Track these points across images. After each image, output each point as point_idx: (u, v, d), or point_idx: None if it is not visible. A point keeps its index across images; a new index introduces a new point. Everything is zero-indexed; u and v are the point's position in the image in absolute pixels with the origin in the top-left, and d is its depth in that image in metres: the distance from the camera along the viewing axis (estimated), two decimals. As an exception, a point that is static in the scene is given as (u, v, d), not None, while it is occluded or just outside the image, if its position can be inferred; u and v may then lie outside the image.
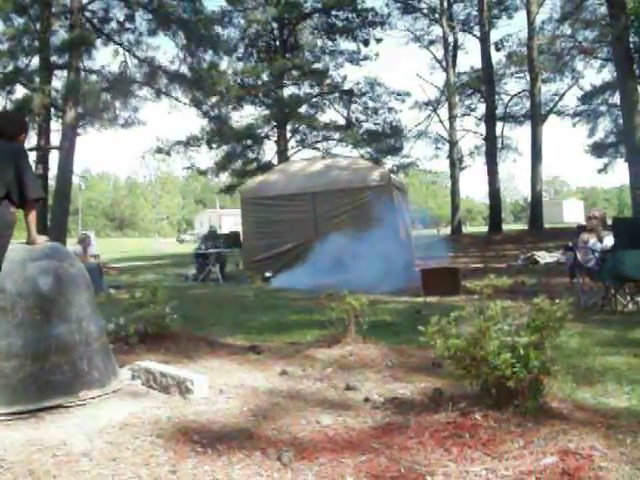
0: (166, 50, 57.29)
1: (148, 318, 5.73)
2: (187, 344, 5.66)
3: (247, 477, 2.70)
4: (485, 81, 29.28)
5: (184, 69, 23.09)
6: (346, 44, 29.81)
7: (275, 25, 28.66)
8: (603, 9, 24.13)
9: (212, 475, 2.72)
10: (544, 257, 14.79)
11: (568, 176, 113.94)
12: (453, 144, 31.27)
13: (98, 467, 2.82)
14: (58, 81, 21.97)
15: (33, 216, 3.89)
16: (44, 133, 21.20)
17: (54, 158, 20.95)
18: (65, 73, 21.08)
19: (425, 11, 32.33)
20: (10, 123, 4.05)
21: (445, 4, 31.18)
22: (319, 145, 29.56)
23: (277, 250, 13.09)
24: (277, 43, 29.23)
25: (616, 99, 27.49)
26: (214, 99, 25.83)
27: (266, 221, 13.57)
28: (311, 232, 12.91)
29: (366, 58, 29.73)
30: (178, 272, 16.13)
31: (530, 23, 27.77)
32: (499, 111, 31.57)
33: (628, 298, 7.44)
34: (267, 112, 28.70)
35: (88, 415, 3.57)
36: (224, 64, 26.48)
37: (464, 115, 33.86)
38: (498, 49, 31.11)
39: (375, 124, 29.88)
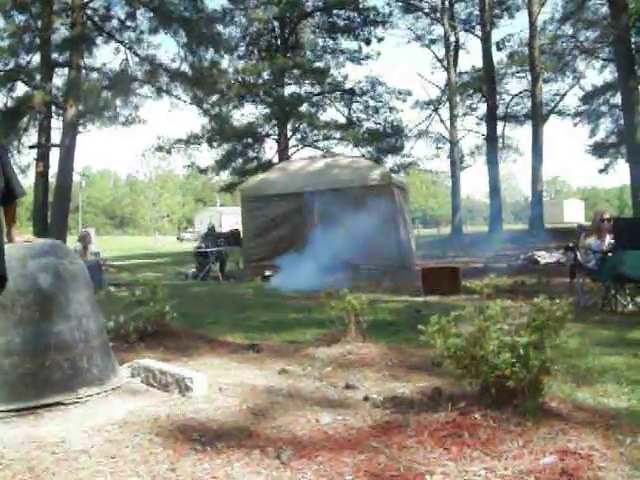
0: (167, 48, 58.17)
1: (148, 316, 5.73)
2: (187, 342, 5.65)
3: (246, 475, 2.70)
4: (486, 81, 29.28)
5: (185, 67, 23.22)
6: (347, 43, 29.87)
7: (276, 24, 28.70)
8: (605, 9, 24.18)
9: (211, 473, 2.72)
10: (544, 257, 14.77)
11: (569, 176, 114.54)
12: (454, 144, 31.27)
13: (97, 464, 2.82)
14: (59, 79, 22.12)
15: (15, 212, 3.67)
16: (45, 131, 21.27)
17: (55, 156, 21.04)
18: (66, 71, 21.16)
19: (426, 10, 32.36)
20: None
21: (447, 3, 31.18)
22: (320, 144, 29.60)
23: (277, 249, 13.06)
24: (278, 42, 29.23)
25: (617, 99, 27.52)
26: (215, 97, 25.90)
27: (266, 220, 13.55)
28: (311, 231, 12.88)
29: (367, 57, 29.80)
30: (178, 270, 16.14)
31: (532, 23, 27.73)
32: (500, 111, 31.60)
33: (628, 299, 7.43)
34: (268, 111, 28.73)
35: (87, 413, 3.57)
36: (225, 62, 26.61)
37: (465, 115, 33.93)
38: (499, 49, 31.17)
39: (376, 123, 29.91)
